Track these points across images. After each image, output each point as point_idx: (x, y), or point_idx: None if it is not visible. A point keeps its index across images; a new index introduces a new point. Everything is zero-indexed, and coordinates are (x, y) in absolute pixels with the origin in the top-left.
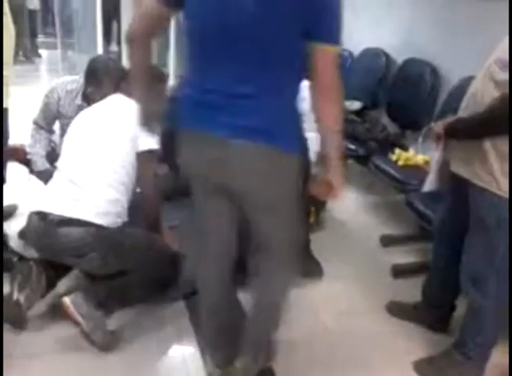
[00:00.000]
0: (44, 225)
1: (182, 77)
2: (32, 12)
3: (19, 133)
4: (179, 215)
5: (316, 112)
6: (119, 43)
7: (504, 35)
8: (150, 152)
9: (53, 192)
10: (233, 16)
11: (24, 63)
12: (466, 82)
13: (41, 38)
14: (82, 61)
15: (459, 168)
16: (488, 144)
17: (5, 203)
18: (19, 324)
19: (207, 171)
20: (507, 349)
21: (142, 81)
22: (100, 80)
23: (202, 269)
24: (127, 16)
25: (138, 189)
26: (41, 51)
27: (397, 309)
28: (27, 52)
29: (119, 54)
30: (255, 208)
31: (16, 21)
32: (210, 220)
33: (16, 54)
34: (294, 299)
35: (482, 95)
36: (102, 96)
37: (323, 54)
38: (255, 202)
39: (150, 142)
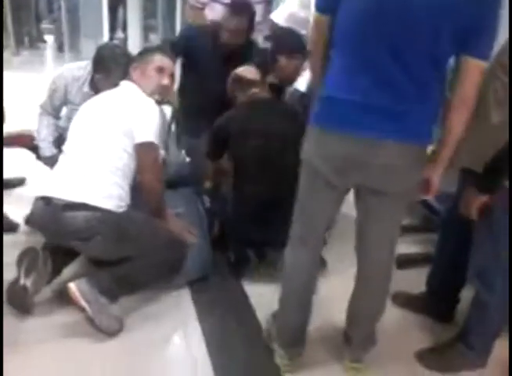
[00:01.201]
0: (49, 209)
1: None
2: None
3: (26, 118)
4: (184, 202)
5: (449, 118)
6: (124, 29)
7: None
8: (148, 143)
9: (58, 176)
10: (395, 23)
11: (29, 48)
12: None
13: (45, 24)
14: (88, 47)
15: (470, 162)
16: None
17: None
18: (26, 309)
19: (342, 169)
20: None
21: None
22: (108, 67)
23: (298, 252)
24: (132, 3)
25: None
26: (46, 37)
27: (402, 300)
28: (32, 38)
29: (124, 40)
30: (384, 204)
31: (19, 7)
32: (315, 211)
33: (21, 40)
34: None
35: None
36: (110, 84)
37: (474, 68)
38: (390, 198)
39: (148, 134)
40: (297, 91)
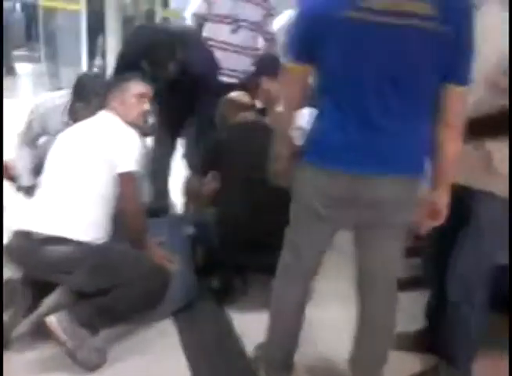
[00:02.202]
0: (28, 243)
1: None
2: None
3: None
4: (166, 230)
5: (440, 144)
6: (103, 57)
7: None
8: (130, 173)
9: (36, 209)
10: (384, 63)
11: (7, 75)
12: None
13: (22, 52)
14: (67, 74)
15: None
16: (491, 146)
17: None
18: (4, 344)
19: (335, 204)
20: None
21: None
22: (87, 97)
23: (287, 285)
24: (111, 30)
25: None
26: (24, 64)
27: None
28: (9, 65)
29: (103, 68)
30: (382, 235)
31: None
32: (307, 245)
33: None
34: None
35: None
36: (90, 113)
37: (457, 95)
38: (387, 229)
39: (130, 163)
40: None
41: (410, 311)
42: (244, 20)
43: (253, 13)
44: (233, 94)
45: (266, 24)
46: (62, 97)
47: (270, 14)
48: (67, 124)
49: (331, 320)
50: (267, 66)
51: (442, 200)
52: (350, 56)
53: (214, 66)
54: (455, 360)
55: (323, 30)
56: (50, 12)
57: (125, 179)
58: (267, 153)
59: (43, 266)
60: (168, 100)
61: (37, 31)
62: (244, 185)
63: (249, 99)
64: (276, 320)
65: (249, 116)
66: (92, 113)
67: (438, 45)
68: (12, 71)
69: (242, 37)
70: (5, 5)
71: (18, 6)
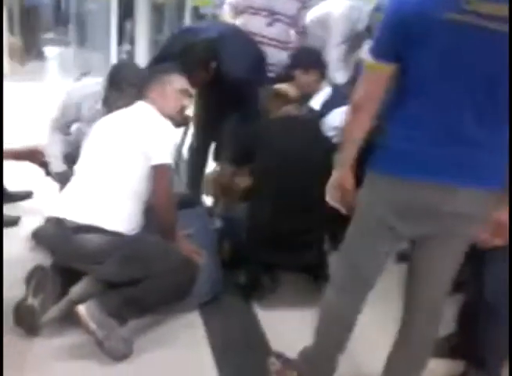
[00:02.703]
0: (60, 231)
1: (389, 123)
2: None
3: (32, 129)
4: (194, 223)
5: None
6: (131, 42)
7: None
8: (165, 165)
9: (70, 197)
10: (474, 70)
11: (36, 59)
12: None
13: (50, 35)
14: (95, 59)
15: None
16: None
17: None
18: (33, 330)
19: (413, 217)
20: None
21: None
22: (122, 86)
23: (339, 300)
24: (141, 16)
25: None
26: (52, 48)
27: None
28: (39, 49)
29: (131, 53)
30: (447, 246)
31: (28, 18)
32: (370, 258)
33: (28, 50)
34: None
35: None
36: (124, 102)
37: None
38: (453, 240)
39: (165, 156)
40: (311, 109)
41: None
42: (280, 13)
43: (289, 7)
44: (280, 86)
45: (300, 17)
46: (97, 84)
47: (304, 7)
48: (101, 112)
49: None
50: (302, 59)
51: (505, 216)
52: (447, 58)
53: (257, 66)
54: (485, 365)
55: (420, 31)
56: None
57: (159, 172)
58: (305, 151)
59: (74, 255)
60: (209, 96)
61: (66, 15)
62: (279, 181)
63: (295, 92)
64: (326, 331)
65: (292, 110)
66: (127, 102)
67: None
68: (41, 55)
69: (277, 31)
70: None
71: None
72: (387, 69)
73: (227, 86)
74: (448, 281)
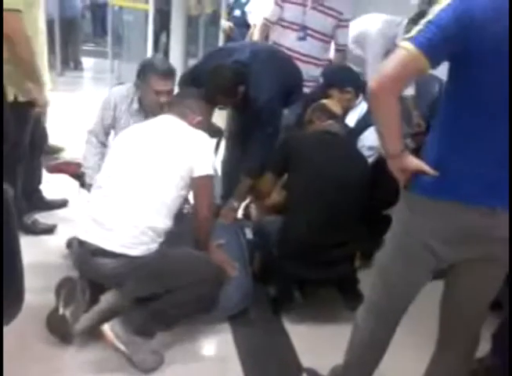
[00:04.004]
0: (81, 252)
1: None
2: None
3: (70, 138)
4: (226, 233)
5: None
6: (166, 54)
7: None
8: (208, 177)
9: (89, 216)
10: None
11: (74, 70)
12: None
13: (89, 47)
14: (130, 70)
15: None
16: None
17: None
18: (66, 339)
19: (457, 241)
20: None
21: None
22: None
23: (372, 322)
24: (176, 28)
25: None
26: (89, 59)
27: None
28: (77, 60)
29: None
30: (487, 269)
31: (67, 29)
32: (405, 283)
33: (66, 62)
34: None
35: None
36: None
37: None
38: (494, 264)
39: (208, 167)
40: (346, 126)
41: None
42: (312, 29)
43: (322, 23)
44: (326, 101)
45: (337, 35)
46: (129, 88)
47: (343, 25)
48: (138, 113)
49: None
50: (337, 77)
51: None
52: (503, 78)
53: (287, 90)
54: None
55: (477, 45)
56: (119, 9)
57: (203, 183)
58: (342, 168)
59: (94, 276)
60: (239, 115)
61: (104, 27)
62: (314, 196)
63: (339, 109)
64: (357, 353)
65: (333, 126)
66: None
67: None
68: (79, 66)
69: (309, 46)
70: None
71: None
72: (422, 59)
73: (253, 109)
74: (487, 306)
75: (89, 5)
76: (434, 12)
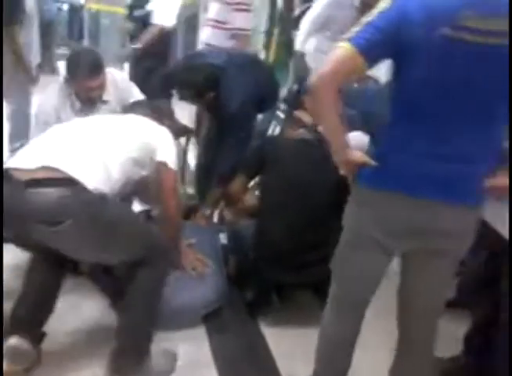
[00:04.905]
0: (9, 187)
1: (384, 137)
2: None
3: None
4: (197, 233)
5: None
6: None
7: None
8: (171, 170)
9: (27, 148)
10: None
11: (50, 73)
12: None
13: (65, 51)
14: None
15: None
16: None
17: None
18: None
19: (399, 233)
20: None
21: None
22: None
23: (337, 318)
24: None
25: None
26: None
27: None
28: (52, 64)
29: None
30: (435, 263)
31: (43, 33)
32: (361, 276)
33: (41, 65)
34: None
35: None
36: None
37: None
38: (442, 257)
39: (170, 157)
40: (318, 133)
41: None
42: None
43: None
44: (297, 112)
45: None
46: (61, 89)
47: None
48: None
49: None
50: (296, 100)
51: None
52: (440, 74)
53: (256, 99)
54: None
55: (414, 46)
56: (95, 13)
57: (166, 172)
58: (315, 172)
59: (26, 215)
60: (210, 119)
61: (80, 31)
62: (287, 199)
63: (309, 118)
64: (324, 357)
65: (305, 134)
66: None
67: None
68: (55, 70)
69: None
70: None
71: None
72: (358, 58)
73: (227, 113)
74: (440, 300)
75: (65, 9)
76: (373, 13)
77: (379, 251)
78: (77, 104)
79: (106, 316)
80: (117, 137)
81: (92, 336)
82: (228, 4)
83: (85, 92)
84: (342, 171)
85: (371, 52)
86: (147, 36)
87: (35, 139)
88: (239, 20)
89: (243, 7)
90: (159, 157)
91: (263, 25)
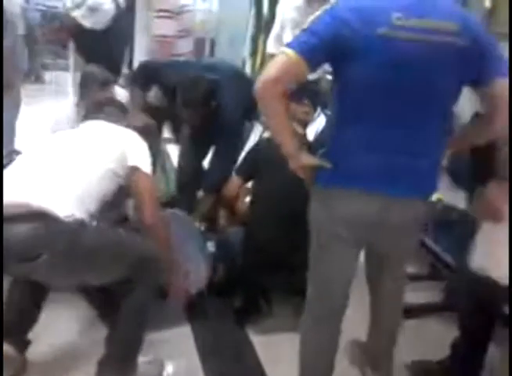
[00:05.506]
0: None
1: (336, 135)
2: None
3: None
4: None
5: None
6: (130, 67)
7: None
8: (145, 174)
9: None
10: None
11: (35, 83)
12: None
13: (49, 60)
14: None
15: None
16: None
17: None
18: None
19: (361, 228)
20: None
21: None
22: None
23: (314, 333)
24: (139, 42)
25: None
26: (51, 72)
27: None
28: (38, 73)
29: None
30: (392, 254)
31: (28, 42)
32: (334, 275)
33: (28, 74)
34: None
35: None
36: None
37: (504, 89)
38: (399, 250)
39: (144, 162)
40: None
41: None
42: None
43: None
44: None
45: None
46: (74, 104)
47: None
48: None
49: None
50: (295, 90)
51: None
52: (381, 71)
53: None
54: None
55: (355, 46)
56: None
57: (139, 174)
58: (301, 181)
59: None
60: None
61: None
62: (276, 204)
63: (302, 130)
64: (305, 367)
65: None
66: None
67: (461, 60)
68: (40, 79)
69: None
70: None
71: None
72: (301, 62)
73: (219, 120)
74: (402, 287)
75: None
76: (309, 20)
77: (344, 247)
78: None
79: (92, 326)
80: (89, 152)
81: (77, 346)
82: (153, 11)
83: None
84: (299, 175)
85: (312, 55)
86: None
87: (5, 172)
88: (160, 27)
89: (166, 14)
90: (130, 162)
91: (249, 32)
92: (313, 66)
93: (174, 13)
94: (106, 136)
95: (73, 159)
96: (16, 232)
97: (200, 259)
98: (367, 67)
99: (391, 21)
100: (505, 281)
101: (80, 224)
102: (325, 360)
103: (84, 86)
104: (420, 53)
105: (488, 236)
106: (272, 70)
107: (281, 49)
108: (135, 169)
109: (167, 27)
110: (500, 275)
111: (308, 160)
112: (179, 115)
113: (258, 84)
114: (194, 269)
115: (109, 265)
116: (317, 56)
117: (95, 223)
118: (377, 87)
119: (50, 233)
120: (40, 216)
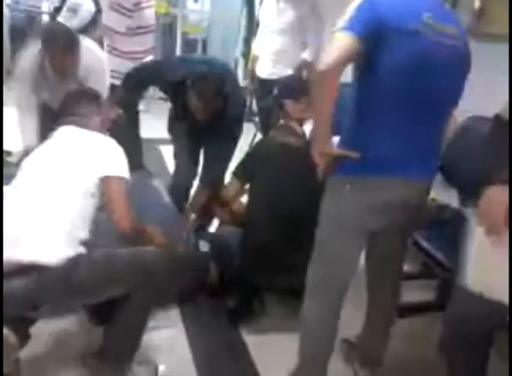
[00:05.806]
0: None
1: (361, 127)
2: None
3: None
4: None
5: None
6: None
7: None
8: (117, 178)
9: None
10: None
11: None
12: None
13: None
14: None
15: None
16: None
17: None
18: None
19: (385, 213)
20: None
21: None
22: None
23: (318, 310)
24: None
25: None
26: None
27: None
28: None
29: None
30: (399, 236)
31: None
32: (345, 257)
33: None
34: None
35: None
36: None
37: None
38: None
39: (115, 168)
40: (304, 138)
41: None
42: None
43: None
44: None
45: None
46: (35, 56)
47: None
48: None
49: None
50: (291, 88)
51: None
52: (409, 63)
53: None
54: None
55: (388, 34)
56: None
57: (108, 179)
58: (301, 181)
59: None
60: (194, 123)
61: None
62: (274, 205)
63: (301, 129)
64: (307, 344)
65: (294, 141)
66: None
67: (464, 63)
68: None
69: None
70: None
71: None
72: (357, 42)
73: (222, 118)
74: (400, 264)
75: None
76: (355, 6)
77: (361, 232)
78: (50, 72)
79: (87, 326)
80: (67, 176)
81: (72, 346)
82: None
83: (58, 65)
84: (316, 160)
85: (365, 37)
86: None
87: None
88: (109, 19)
89: (117, 8)
90: (100, 174)
91: (242, 33)
92: (366, 43)
93: (126, 9)
94: (78, 152)
95: (53, 189)
96: (11, 288)
97: (170, 217)
98: (397, 57)
99: (422, 19)
100: (506, 301)
101: (73, 263)
102: (326, 337)
103: (48, 45)
104: (441, 53)
105: (486, 249)
106: (335, 52)
107: (338, 33)
108: (105, 178)
109: (115, 22)
110: (503, 297)
111: (335, 149)
112: (190, 108)
113: (322, 66)
114: (169, 229)
115: (106, 290)
116: (365, 41)
117: (87, 250)
118: (403, 78)
119: (44, 286)
120: (32, 269)
